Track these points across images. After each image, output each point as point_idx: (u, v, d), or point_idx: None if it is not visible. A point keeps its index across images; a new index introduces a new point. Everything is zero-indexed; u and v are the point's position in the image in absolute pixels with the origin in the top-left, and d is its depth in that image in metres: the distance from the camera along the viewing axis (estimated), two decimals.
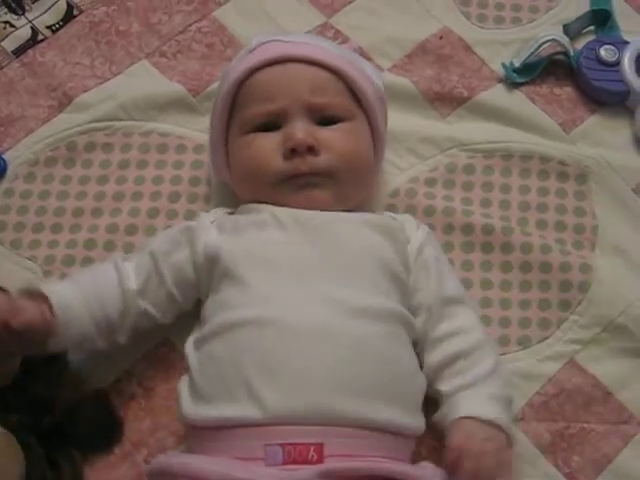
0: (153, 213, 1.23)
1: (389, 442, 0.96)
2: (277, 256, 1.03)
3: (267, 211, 1.06)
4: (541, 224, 1.23)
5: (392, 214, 1.15)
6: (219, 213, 1.12)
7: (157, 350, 1.14)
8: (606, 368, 1.14)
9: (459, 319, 1.06)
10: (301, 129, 1.05)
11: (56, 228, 1.22)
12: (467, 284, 1.17)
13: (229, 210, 1.13)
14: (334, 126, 1.08)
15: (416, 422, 1.00)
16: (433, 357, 1.04)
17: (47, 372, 1.10)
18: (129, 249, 1.20)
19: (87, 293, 1.03)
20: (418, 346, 1.05)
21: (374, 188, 1.21)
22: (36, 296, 1.00)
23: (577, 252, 1.20)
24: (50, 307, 1.00)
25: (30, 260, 1.20)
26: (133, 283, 1.05)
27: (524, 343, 1.15)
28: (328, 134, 1.07)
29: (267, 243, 1.04)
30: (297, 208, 1.06)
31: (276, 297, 0.99)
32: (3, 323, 0.94)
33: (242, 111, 1.10)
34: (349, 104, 1.10)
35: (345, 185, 1.08)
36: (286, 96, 1.07)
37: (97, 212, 1.23)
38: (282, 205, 1.06)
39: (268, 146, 1.07)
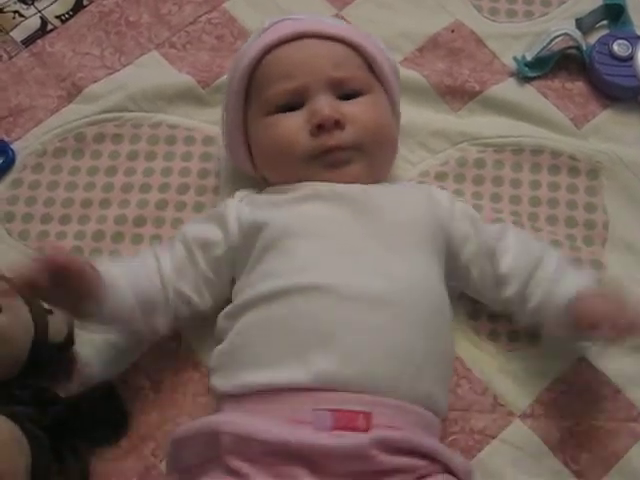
0: (161, 205, 1.23)
1: (427, 419, 0.97)
2: (321, 227, 1.02)
3: (305, 186, 1.05)
4: (552, 219, 1.22)
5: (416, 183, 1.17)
6: (245, 192, 1.11)
7: (165, 343, 1.14)
8: (616, 365, 1.13)
9: (514, 247, 1.08)
10: (326, 104, 1.05)
11: (64, 219, 1.22)
12: None
13: (254, 191, 1.12)
14: (356, 100, 1.08)
15: (445, 403, 1.01)
16: (511, 289, 1.07)
17: (53, 364, 1.11)
18: (137, 241, 1.20)
19: (131, 274, 1.03)
20: (486, 292, 1.10)
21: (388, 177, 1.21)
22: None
23: (588, 248, 1.20)
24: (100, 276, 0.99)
25: (38, 251, 1.19)
26: (169, 269, 1.05)
27: (534, 339, 1.14)
28: (351, 108, 1.07)
29: (309, 215, 1.03)
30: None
31: (326, 265, 0.99)
32: (62, 265, 0.92)
33: (262, 91, 1.09)
34: (368, 77, 1.10)
35: (374, 157, 1.08)
36: (306, 72, 1.07)
37: (105, 203, 1.23)
38: (313, 181, 1.06)
39: (294, 125, 1.06)
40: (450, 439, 1.09)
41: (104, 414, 1.08)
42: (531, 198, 1.23)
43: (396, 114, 1.15)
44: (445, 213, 1.08)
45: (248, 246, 1.04)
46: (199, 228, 1.08)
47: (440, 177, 1.25)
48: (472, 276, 1.09)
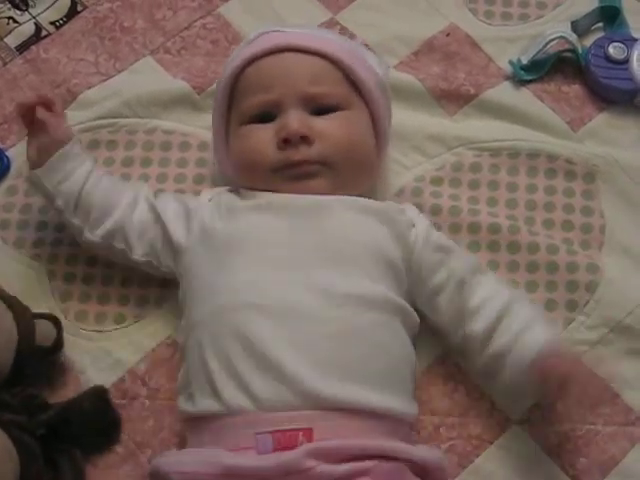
0: None
1: (378, 427, 0.96)
2: (267, 241, 1.03)
3: (262, 196, 1.07)
4: (548, 223, 1.22)
5: (393, 203, 1.14)
6: (217, 190, 1.12)
7: (161, 350, 1.14)
8: (613, 369, 1.13)
9: (486, 284, 1.07)
10: (294, 119, 1.05)
11: (60, 227, 1.22)
12: None
13: (230, 188, 1.13)
14: (329, 115, 1.08)
15: (406, 407, 1.00)
16: (478, 325, 1.05)
17: (42, 369, 1.11)
18: None
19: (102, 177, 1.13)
20: (450, 324, 1.08)
21: (379, 182, 1.20)
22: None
23: (584, 252, 1.19)
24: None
25: (33, 259, 1.20)
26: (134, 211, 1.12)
27: None
28: (323, 123, 1.07)
29: (258, 228, 1.04)
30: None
31: (262, 282, 0.99)
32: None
33: (240, 102, 1.10)
34: (347, 93, 1.10)
35: (342, 173, 1.07)
36: (282, 86, 1.07)
37: None
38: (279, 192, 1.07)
39: (263, 137, 1.07)
40: (447, 444, 1.09)
41: (96, 420, 1.08)
42: (527, 202, 1.23)
43: (381, 130, 1.13)
44: (418, 235, 1.08)
45: (198, 249, 1.06)
46: (170, 208, 1.11)
47: (436, 182, 1.24)
48: (439, 305, 1.07)
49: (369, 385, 0.96)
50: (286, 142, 1.05)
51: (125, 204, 1.11)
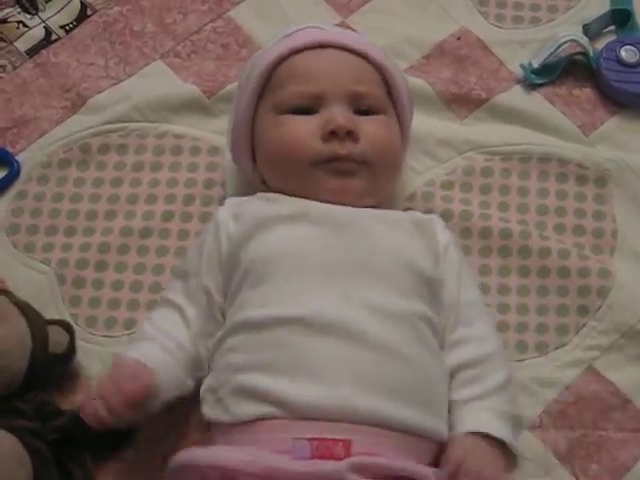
0: (167, 216, 1.22)
1: (412, 445, 0.96)
2: (305, 253, 1.01)
3: (294, 204, 1.05)
4: (559, 228, 1.21)
5: (419, 213, 1.14)
6: (234, 202, 1.11)
7: None
8: (625, 375, 1.13)
9: (476, 326, 1.06)
10: (341, 113, 1.05)
11: (70, 231, 1.22)
12: (484, 289, 1.16)
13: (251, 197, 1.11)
14: (370, 117, 1.08)
15: (439, 427, 0.99)
16: (448, 360, 1.03)
17: (54, 376, 1.11)
18: (143, 252, 1.20)
19: (163, 340, 1.03)
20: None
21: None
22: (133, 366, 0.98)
23: (596, 257, 1.19)
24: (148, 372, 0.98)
25: (43, 263, 1.20)
26: (194, 322, 1.05)
27: (542, 349, 1.14)
28: (366, 123, 1.07)
29: (294, 239, 1.03)
30: (328, 194, 1.05)
31: (304, 295, 0.98)
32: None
33: (279, 90, 1.09)
34: (384, 98, 1.10)
35: (378, 176, 1.07)
36: (327, 80, 1.07)
37: (111, 215, 1.23)
38: (312, 190, 1.05)
39: (306, 127, 1.06)
40: None
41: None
42: (539, 206, 1.23)
43: (405, 139, 1.14)
44: (441, 250, 1.07)
45: (233, 264, 1.04)
46: (211, 274, 1.06)
47: (446, 186, 1.24)
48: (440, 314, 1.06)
49: (407, 403, 0.95)
50: (332, 135, 1.04)
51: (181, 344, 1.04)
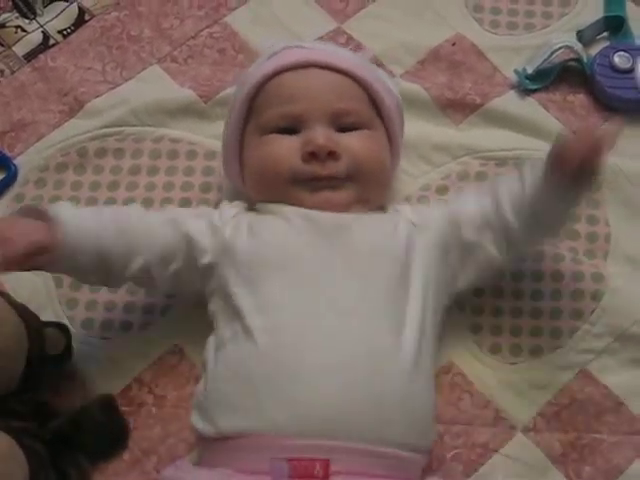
0: None
1: (397, 460, 0.95)
2: (292, 261, 1.01)
3: (283, 213, 1.05)
4: None
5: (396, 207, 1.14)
6: (239, 207, 1.10)
7: (167, 357, 1.15)
8: (618, 378, 1.14)
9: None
10: (322, 134, 1.05)
11: None
12: (478, 292, 1.17)
13: (247, 205, 1.12)
14: (354, 132, 1.08)
15: (425, 440, 1.00)
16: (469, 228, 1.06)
17: (51, 377, 1.11)
18: None
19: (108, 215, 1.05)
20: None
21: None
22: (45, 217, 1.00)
23: (590, 261, 1.20)
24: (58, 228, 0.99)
25: None
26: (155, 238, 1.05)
27: (536, 352, 1.14)
28: (348, 140, 1.07)
29: (281, 247, 1.03)
30: (313, 207, 1.05)
31: (289, 304, 0.98)
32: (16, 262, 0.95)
33: (262, 112, 1.09)
34: (369, 112, 1.10)
35: (365, 188, 1.07)
36: (308, 100, 1.07)
37: None
38: (296, 205, 1.05)
39: (287, 146, 1.06)
40: (452, 453, 1.09)
41: (104, 428, 1.09)
42: None
43: (395, 152, 1.14)
44: (420, 231, 1.07)
45: (223, 269, 1.04)
46: (196, 227, 1.06)
47: (441, 191, 1.24)
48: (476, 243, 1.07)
49: (392, 418, 0.95)
50: (312, 156, 1.04)
51: (142, 239, 1.04)
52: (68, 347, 1.11)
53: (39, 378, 1.08)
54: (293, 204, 1.06)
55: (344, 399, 0.93)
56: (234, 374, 0.97)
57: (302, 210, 1.05)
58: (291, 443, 0.92)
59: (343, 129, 1.07)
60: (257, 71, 1.11)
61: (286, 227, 1.04)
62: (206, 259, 1.05)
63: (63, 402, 1.11)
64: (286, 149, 1.06)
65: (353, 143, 1.06)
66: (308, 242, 1.03)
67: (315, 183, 1.05)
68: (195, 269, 1.05)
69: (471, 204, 1.08)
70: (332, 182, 1.05)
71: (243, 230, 1.05)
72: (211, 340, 1.03)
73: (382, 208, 1.12)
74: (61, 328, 1.12)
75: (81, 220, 1.02)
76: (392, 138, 1.13)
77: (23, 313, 1.07)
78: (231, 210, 1.09)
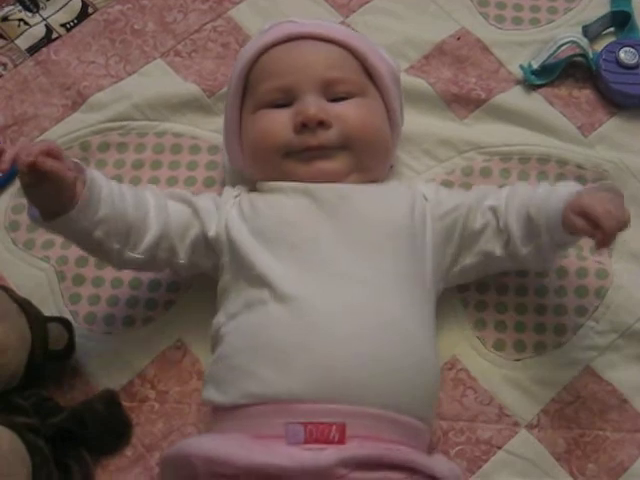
0: None
1: (409, 428, 0.96)
2: (295, 234, 1.02)
3: (282, 189, 1.06)
4: None
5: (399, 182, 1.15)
6: (241, 189, 1.11)
7: (170, 353, 1.15)
8: (622, 375, 1.14)
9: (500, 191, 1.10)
10: (312, 104, 1.05)
11: None
12: (483, 288, 1.17)
13: (248, 187, 1.12)
14: (346, 101, 1.08)
15: (431, 407, 1.01)
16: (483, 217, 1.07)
17: (54, 372, 1.11)
18: None
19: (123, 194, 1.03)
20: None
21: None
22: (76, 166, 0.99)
23: (594, 258, 1.19)
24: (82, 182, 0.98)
25: (43, 260, 1.21)
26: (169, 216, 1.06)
27: (540, 349, 1.15)
28: (340, 108, 1.07)
29: (283, 222, 1.03)
30: (308, 180, 1.05)
31: (298, 274, 0.99)
32: (32, 160, 0.91)
33: (256, 88, 1.10)
34: (362, 80, 1.10)
35: (361, 156, 1.07)
36: (298, 71, 1.07)
37: None
38: (293, 177, 1.06)
39: (278, 119, 1.06)
40: (456, 449, 1.09)
41: (107, 423, 1.09)
42: None
43: (394, 121, 1.14)
44: (433, 206, 1.08)
45: (230, 248, 1.04)
46: (203, 202, 1.08)
47: (446, 185, 1.23)
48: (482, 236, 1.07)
49: (405, 384, 0.96)
50: (303, 126, 1.05)
51: (156, 211, 1.05)
52: (71, 342, 1.11)
53: (42, 373, 1.08)
54: (289, 177, 1.06)
55: (358, 366, 0.94)
56: (248, 343, 0.97)
57: (300, 185, 1.05)
58: (307, 407, 0.93)
59: (335, 99, 1.07)
60: (250, 48, 1.12)
61: (286, 203, 1.05)
62: (213, 232, 1.05)
63: (66, 397, 1.11)
64: (278, 123, 1.06)
65: (345, 111, 1.06)
66: (309, 216, 1.03)
67: (308, 153, 1.05)
68: (207, 241, 1.06)
69: (488, 200, 1.08)
70: (324, 152, 1.05)
71: (247, 209, 1.06)
72: (219, 317, 1.03)
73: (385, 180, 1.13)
74: (64, 323, 1.11)
75: (106, 181, 1.02)
76: (389, 106, 1.12)
77: (26, 308, 1.08)
78: (233, 192, 1.10)
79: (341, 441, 0.92)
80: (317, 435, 0.92)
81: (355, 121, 1.06)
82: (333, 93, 1.07)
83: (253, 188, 1.11)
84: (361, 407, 0.93)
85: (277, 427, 0.92)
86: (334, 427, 0.92)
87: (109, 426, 1.09)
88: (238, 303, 1.01)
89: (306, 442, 0.92)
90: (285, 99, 1.07)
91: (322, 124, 1.05)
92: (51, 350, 1.08)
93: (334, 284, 0.98)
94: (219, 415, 1.00)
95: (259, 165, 1.10)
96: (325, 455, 0.90)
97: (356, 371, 0.94)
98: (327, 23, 1.16)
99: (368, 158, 1.08)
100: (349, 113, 1.06)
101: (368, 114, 1.08)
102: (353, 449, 0.91)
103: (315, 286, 0.98)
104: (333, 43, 1.09)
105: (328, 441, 0.92)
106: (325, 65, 1.08)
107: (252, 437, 0.93)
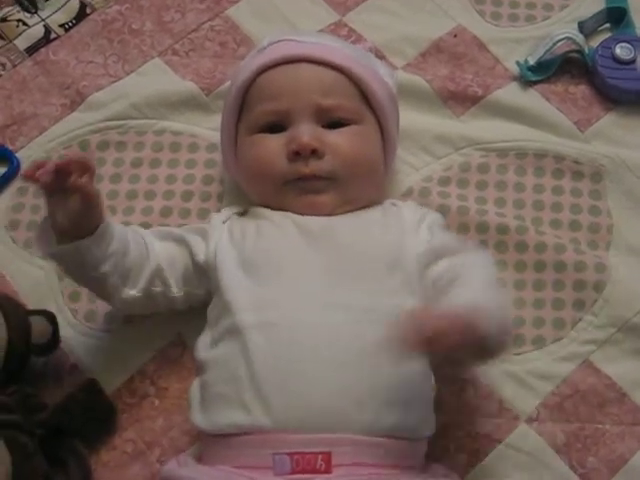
0: (166, 212, 1.23)
1: (398, 448, 0.95)
2: (281, 262, 1.02)
3: (272, 217, 1.06)
4: (555, 223, 1.22)
5: (394, 201, 1.14)
6: (229, 213, 1.11)
7: (170, 349, 1.15)
8: (621, 369, 1.14)
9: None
10: (306, 132, 1.05)
11: None
12: None
13: (239, 210, 1.12)
14: (341, 129, 1.07)
15: (425, 425, 1.00)
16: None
17: (38, 366, 1.12)
18: None
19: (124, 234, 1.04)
20: None
21: (387, 186, 1.20)
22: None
23: (592, 252, 1.20)
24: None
25: (43, 259, 1.20)
26: (158, 249, 1.06)
27: (538, 343, 1.15)
28: (334, 137, 1.06)
29: (270, 249, 1.03)
30: (301, 210, 1.06)
31: (282, 302, 0.99)
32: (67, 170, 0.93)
33: (250, 110, 1.10)
34: (358, 106, 1.09)
35: (349, 188, 1.07)
36: (293, 96, 1.07)
37: (110, 211, 1.23)
38: (287, 206, 1.06)
39: (273, 147, 1.06)
40: (456, 444, 1.09)
41: (91, 410, 1.08)
42: (535, 202, 1.23)
43: (389, 144, 1.13)
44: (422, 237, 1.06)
45: (217, 270, 1.04)
46: (190, 235, 1.08)
47: (443, 182, 1.24)
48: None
49: (389, 406, 0.95)
50: (296, 155, 1.04)
51: (150, 246, 1.06)
52: (55, 335, 1.11)
53: (24, 367, 1.08)
54: (282, 206, 1.06)
55: (341, 393, 0.94)
56: (231, 373, 0.97)
57: (290, 215, 1.05)
58: (292, 438, 0.92)
59: (330, 125, 1.07)
60: (247, 67, 1.11)
61: (274, 231, 1.05)
62: (202, 256, 1.05)
63: (51, 393, 1.10)
64: (272, 151, 1.06)
65: (339, 141, 1.06)
66: (295, 245, 1.03)
67: (302, 184, 1.05)
68: (197, 267, 1.06)
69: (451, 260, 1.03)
70: (317, 183, 1.05)
71: (236, 234, 1.06)
72: (203, 339, 1.03)
73: (377, 202, 1.11)
74: (48, 316, 1.11)
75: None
76: (385, 131, 1.12)
77: (2, 302, 1.07)
78: (220, 217, 1.10)
79: (327, 470, 0.91)
80: (304, 465, 0.91)
81: (350, 153, 1.06)
82: (328, 118, 1.07)
83: (250, 201, 1.12)
84: (346, 435, 0.93)
85: (264, 458, 0.92)
86: (320, 456, 0.92)
87: (94, 413, 1.08)
88: (220, 329, 1.01)
89: (293, 472, 0.91)
90: (280, 122, 1.07)
91: (315, 153, 1.04)
92: (35, 344, 1.08)
93: (317, 312, 0.97)
94: (206, 440, 1.00)
95: (255, 191, 1.11)
96: None
97: (338, 399, 0.93)
98: (326, 41, 1.14)
99: (358, 190, 1.08)
100: (343, 144, 1.06)
101: (362, 145, 1.08)
102: (339, 477, 0.91)
103: (297, 314, 0.97)
104: (329, 67, 1.08)
105: (315, 471, 0.91)
106: (321, 91, 1.07)
107: (239, 467, 0.93)
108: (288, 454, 0.92)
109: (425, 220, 1.08)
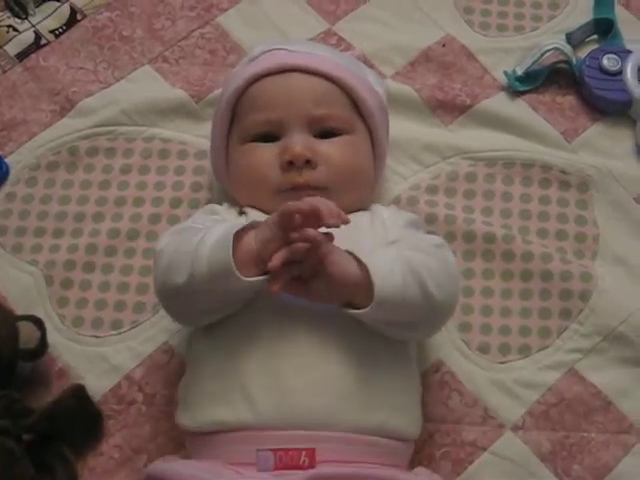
0: (154, 219, 1.23)
1: (383, 447, 0.96)
2: None
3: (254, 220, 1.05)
4: (542, 233, 1.23)
5: (377, 205, 1.13)
6: (230, 213, 1.11)
7: (158, 356, 1.15)
8: (607, 377, 1.14)
9: None
10: (299, 142, 1.05)
11: (57, 232, 1.23)
12: (468, 292, 1.18)
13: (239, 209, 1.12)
14: (333, 139, 1.08)
15: (411, 426, 1.00)
16: None
17: (40, 378, 1.12)
18: (130, 254, 1.21)
19: None
20: None
21: (375, 195, 1.20)
22: None
23: (578, 261, 1.20)
24: None
25: (31, 264, 1.21)
26: None
27: (524, 352, 1.15)
28: (327, 147, 1.07)
29: None
30: None
31: (268, 299, 0.97)
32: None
33: (242, 120, 1.10)
34: (350, 116, 1.10)
35: (341, 198, 1.06)
36: (286, 107, 1.07)
37: (99, 217, 1.23)
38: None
39: (266, 157, 1.06)
40: (441, 451, 1.10)
41: (79, 416, 1.08)
42: (522, 211, 1.24)
43: (379, 153, 1.14)
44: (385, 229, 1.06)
45: None
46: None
47: (431, 191, 1.25)
48: None
49: (373, 405, 0.96)
50: (290, 165, 1.05)
51: None
52: (43, 340, 1.11)
53: (11, 373, 1.08)
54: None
55: (324, 392, 0.94)
56: (217, 368, 0.97)
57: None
58: (276, 434, 0.93)
59: (322, 134, 1.07)
60: (238, 76, 1.11)
61: None
62: None
63: (37, 398, 1.11)
64: (265, 161, 1.06)
65: (331, 151, 1.06)
66: None
67: (295, 193, 1.04)
68: None
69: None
70: (310, 193, 1.03)
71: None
72: (192, 336, 1.04)
73: (364, 208, 1.12)
74: (35, 322, 1.11)
75: None
76: (375, 140, 1.12)
77: None
78: (224, 207, 1.10)
79: (311, 466, 0.92)
80: (287, 461, 0.92)
81: (342, 163, 1.06)
82: (320, 128, 1.07)
83: (239, 206, 1.11)
84: (331, 432, 0.93)
85: (248, 454, 0.93)
86: (304, 452, 0.92)
87: (81, 419, 1.09)
88: (205, 328, 1.01)
89: (276, 468, 0.92)
90: (273, 132, 1.07)
91: (308, 163, 1.05)
92: (22, 349, 1.08)
93: (302, 310, 0.97)
94: (191, 438, 1.00)
95: (246, 199, 1.10)
96: (292, 476, 0.90)
97: (322, 397, 0.94)
98: (317, 50, 1.15)
99: (350, 199, 1.08)
100: (335, 154, 1.06)
101: (354, 155, 1.09)
102: (319, 469, 0.91)
103: (282, 310, 0.97)
104: (322, 77, 1.09)
105: (298, 467, 0.92)
106: (313, 101, 1.07)
107: (224, 464, 0.93)
108: (271, 450, 0.92)
109: (400, 221, 1.08)
